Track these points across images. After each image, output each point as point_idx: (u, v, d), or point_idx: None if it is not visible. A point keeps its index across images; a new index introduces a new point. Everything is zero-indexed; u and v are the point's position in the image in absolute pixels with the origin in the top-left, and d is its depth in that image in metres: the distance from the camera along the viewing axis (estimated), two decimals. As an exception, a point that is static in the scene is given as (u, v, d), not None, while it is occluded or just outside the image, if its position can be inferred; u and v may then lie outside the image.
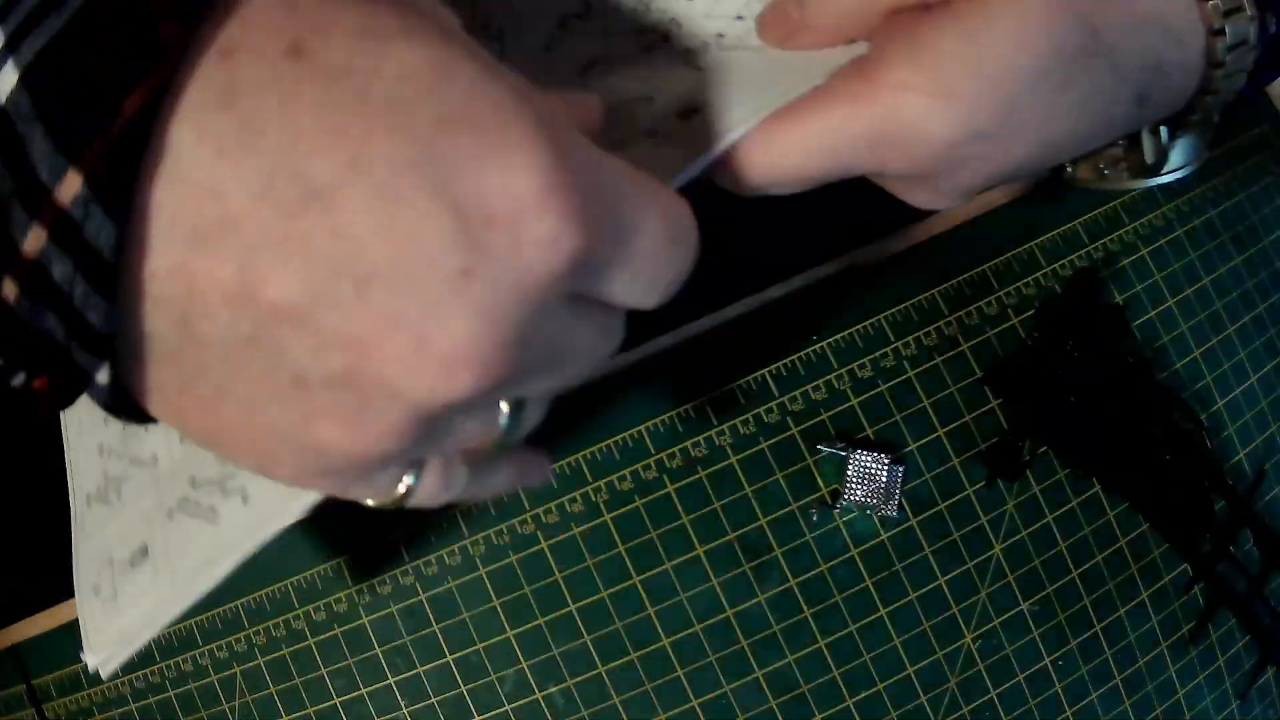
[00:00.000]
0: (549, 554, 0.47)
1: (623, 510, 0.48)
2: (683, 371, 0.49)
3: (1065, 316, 0.48)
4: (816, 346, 0.50)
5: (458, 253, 0.21)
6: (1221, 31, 0.33)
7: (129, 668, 0.50)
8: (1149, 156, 0.37)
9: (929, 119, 0.30)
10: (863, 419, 0.50)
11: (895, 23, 0.31)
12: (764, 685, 0.47)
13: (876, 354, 0.50)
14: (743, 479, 0.49)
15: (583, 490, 0.48)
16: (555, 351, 0.25)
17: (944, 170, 0.32)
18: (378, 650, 0.47)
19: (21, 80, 0.20)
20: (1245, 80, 0.36)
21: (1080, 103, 0.31)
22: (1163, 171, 0.38)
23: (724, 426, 0.49)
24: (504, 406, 0.27)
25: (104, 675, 0.34)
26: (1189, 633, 0.51)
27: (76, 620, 0.35)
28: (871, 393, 0.50)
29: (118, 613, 0.35)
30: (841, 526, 0.49)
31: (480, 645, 0.47)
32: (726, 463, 0.49)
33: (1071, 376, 0.48)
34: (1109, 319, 0.51)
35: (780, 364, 0.50)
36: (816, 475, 0.49)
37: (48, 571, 0.43)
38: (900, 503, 0.48)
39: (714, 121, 0.32)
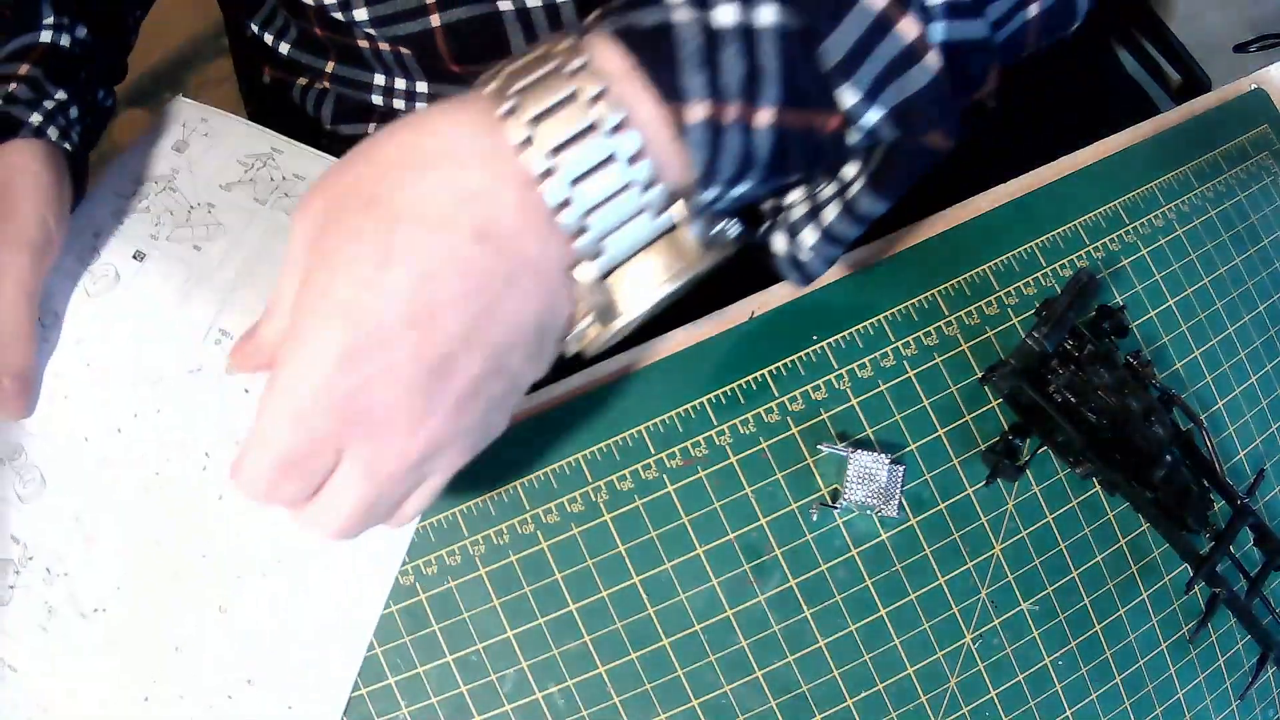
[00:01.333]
0: (549, 554, 0.47)
1: (623, 510, 0.48)
2: (683, 372, 0.49)
3: (1065, 316, 0.48)
4: (816, 346, 0.50)
5: None
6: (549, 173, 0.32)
7: None
8: (596, 325, 0.36)
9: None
10: (863, 419, 0.50)
11: None
12: (764, 685, 0.47)
13: (876, 354, 0.50)
14: (743, 479, 0.49)
15: (583, 490, 0.48)
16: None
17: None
18: (378, 650, 0.47)
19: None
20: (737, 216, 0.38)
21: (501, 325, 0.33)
22: (626, 316, 0.36)
23: (724, 426, 0.49)
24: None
25: None
26: (1189, 633, 0.51)
27: None
28: (871, 393, 0.50)
29: None
30: (841, 526, 0.49)
31: (480, 645, 0.47)
32: (726, 463, 0.49)
33: (1071, 376, 0.48)
34: (1109, 319, 0.51)
35: (780, 364, 0.50)
36: (816, 475, 0.49)
37: None
38: (900, 503, 0.48)
39: None
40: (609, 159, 0.32)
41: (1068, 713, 0.49)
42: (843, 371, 0.50)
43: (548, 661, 0.47)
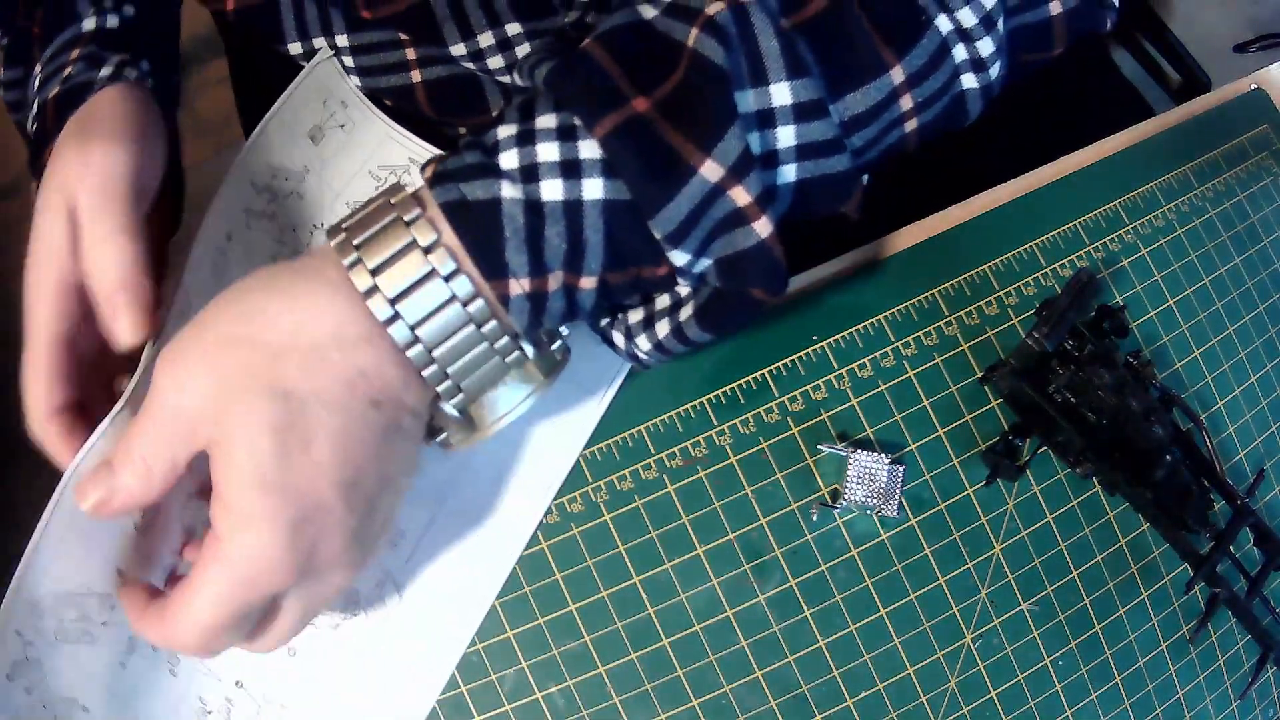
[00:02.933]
0: (549, 553, 0.47)
1: (623, 510, 0.48)
2: (683, 371, 0.49)
3: (1065, 316, 0.48)
4: (816, 346, 0.50)
5: None
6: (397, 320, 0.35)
7: None
8: (459, 432, 0.40)
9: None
10: (863, 419, 0.50)
11: None
12: (764, 685, 0.47)
13: (876, 354, 0.50)
14: (743, 479, 0.49)
15: (582, 490, 0.48)
16: None
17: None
18: (378, 650, 0.47)
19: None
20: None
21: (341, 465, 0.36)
22: (492, 425, 0.40)
23: (724, 426, 0.49)
24: None
25: None
26: (1189, 633, 0.51)
27: None
28: (871, 393, 0.50)
29: None
30: (841, 526, 0.49)
31: (481, 645, 0.47)
32: (726, 463, 0.49)
33: (1071, 376, 0.48)
34: (1109, 319, 0.51)
35: (780, 364, 0.50)
36: (816, 475, 0.49)
37: None
38: (900, 503, 0.48)
39: None
40: (448, 301, 0.35)
41: (1068, 713, 0.49)
42: (843, 371, 0.50)
43: (547, 661, 0.47)
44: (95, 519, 0.37)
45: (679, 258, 0.36)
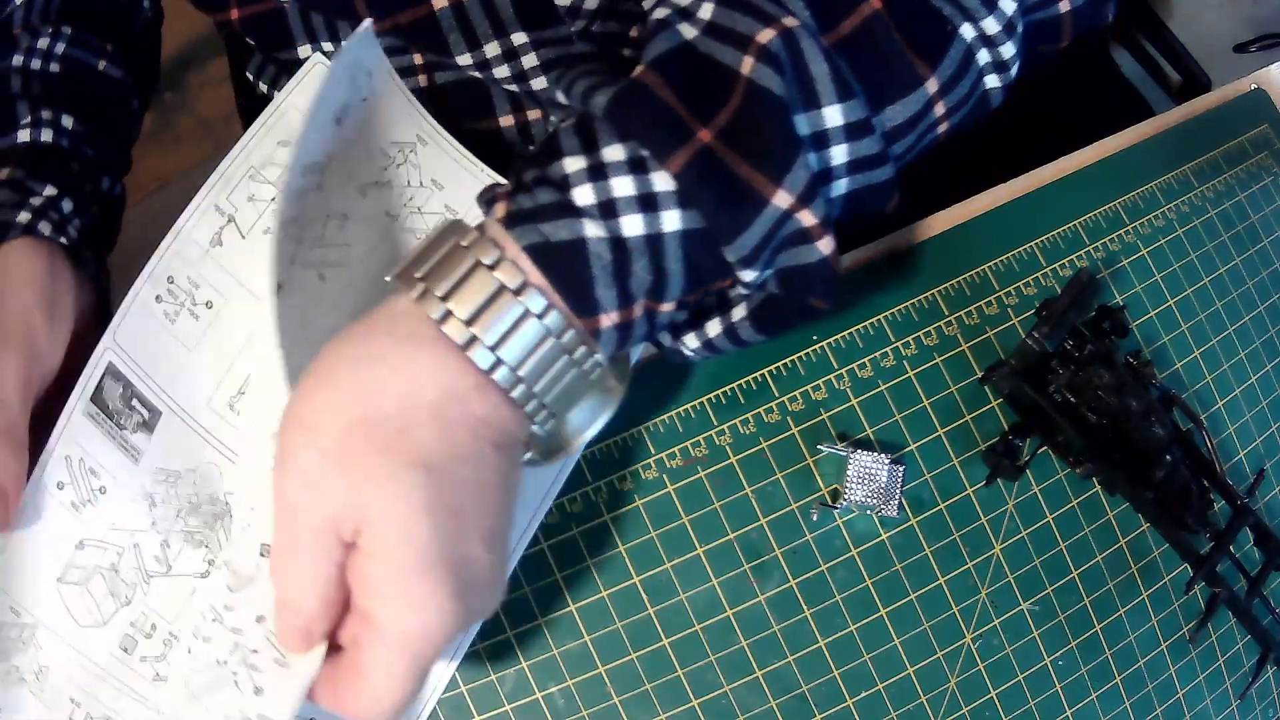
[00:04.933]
0: (549, 554, 0.47)
1: (623, 510, 0.48)
2: (683, 371, 0.49)
3: (1065, 316, 0.48)
4: (816, 346, 0.50)
5: None
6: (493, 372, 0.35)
7: None
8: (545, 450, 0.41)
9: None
10: (863, 419, 0.50)
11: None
12: (764, 685, 0.47)
13: (876, 354, 0.50)
14: (743, 479, 0.49)
15: (583, 490, 0.48)
16: None
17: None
18: (378, 650, 0.47)
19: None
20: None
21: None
22: (577, 440, 0.41)
23: (724, 426, 0.49)
24: None
25: None
26: (1189, 633, 0.51)
27: None
28: (871, 393, 0.50)
29: None
30: (841, 526, 0.49)
31: (480, 645, 0.47)
32: (726, 463, 0.49)
33: (1071, 376, 0.48)
34: (1109, 319, 0.51)
35: (780, 364, 0.50)
36: (816, 475, 0.49)
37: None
38: (900, 503, 0.48)
39: None
40: (543, 338, 0.35)
41: (1068, 713, 0.49)
42: (843, 371, 0.50)
43: (548, 661, 0.47)
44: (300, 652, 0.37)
45: (748, 275, 0.37)
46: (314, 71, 0.48)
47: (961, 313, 0.51)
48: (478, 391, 0.34)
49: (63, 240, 0.48)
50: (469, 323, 0.34)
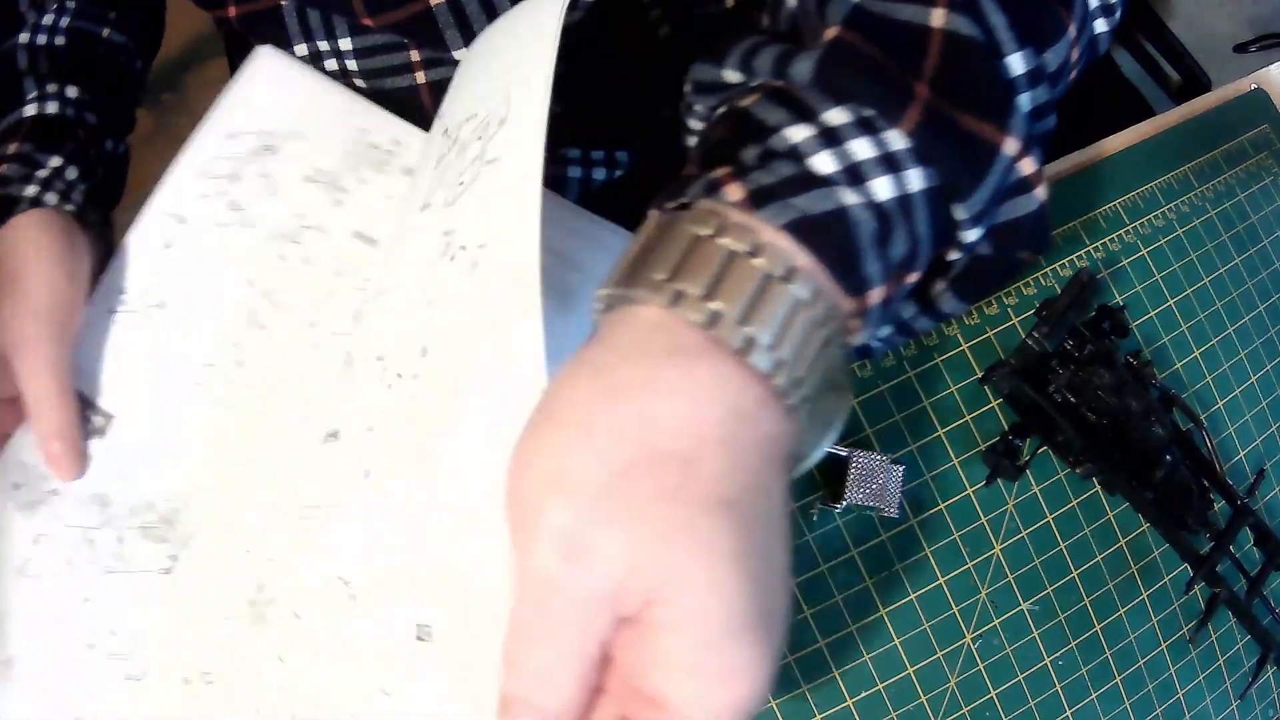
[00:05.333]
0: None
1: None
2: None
3: (1065, 316, 0.48)
4: (816, 346, 0.50)
5: None
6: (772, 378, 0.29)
7: None
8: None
9: None
10: (863, 419, 0.50)
11: None
12: (764, 685, 0.47)
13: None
14: (743, 479, 0.48)
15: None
16: None
17: None
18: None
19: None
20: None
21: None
22: (819, 448, 0.33)
23: (724, 426, 0.49)
24: None
25: None
26: (1189, 633, 0.51)
27: None
28: (871, 393, 0.50)
29: None
30: (841, 526, 0.49)
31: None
32: (726, 463, 0.48)
33: (1071, 376, 0.48)
34: (1109, 319, 0.51)
35: (780, 364, 0.50)
36: (816, 475, 0.49)
37: None
38: (900, 503, 0.48)
39: None
40: (814, 328, 0.30)
41: (1068, 713, 0.49)
42: (843, 371, 0.50)
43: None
44: None
45: (972, 235, 0.34)
46: (259, 63, 0.49)
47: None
48: (762, 405, 0.28)
49: (69, 207, 0.49)
50: (743, 323, 0.28)
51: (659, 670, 0.27)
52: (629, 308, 0.29)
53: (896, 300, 0.33)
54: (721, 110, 0.35)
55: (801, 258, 0.29)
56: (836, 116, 0.31)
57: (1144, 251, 0.54)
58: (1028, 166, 0.34)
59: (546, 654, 0.28)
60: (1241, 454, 0.54)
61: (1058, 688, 0.49)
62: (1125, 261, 0.54)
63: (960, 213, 0.33)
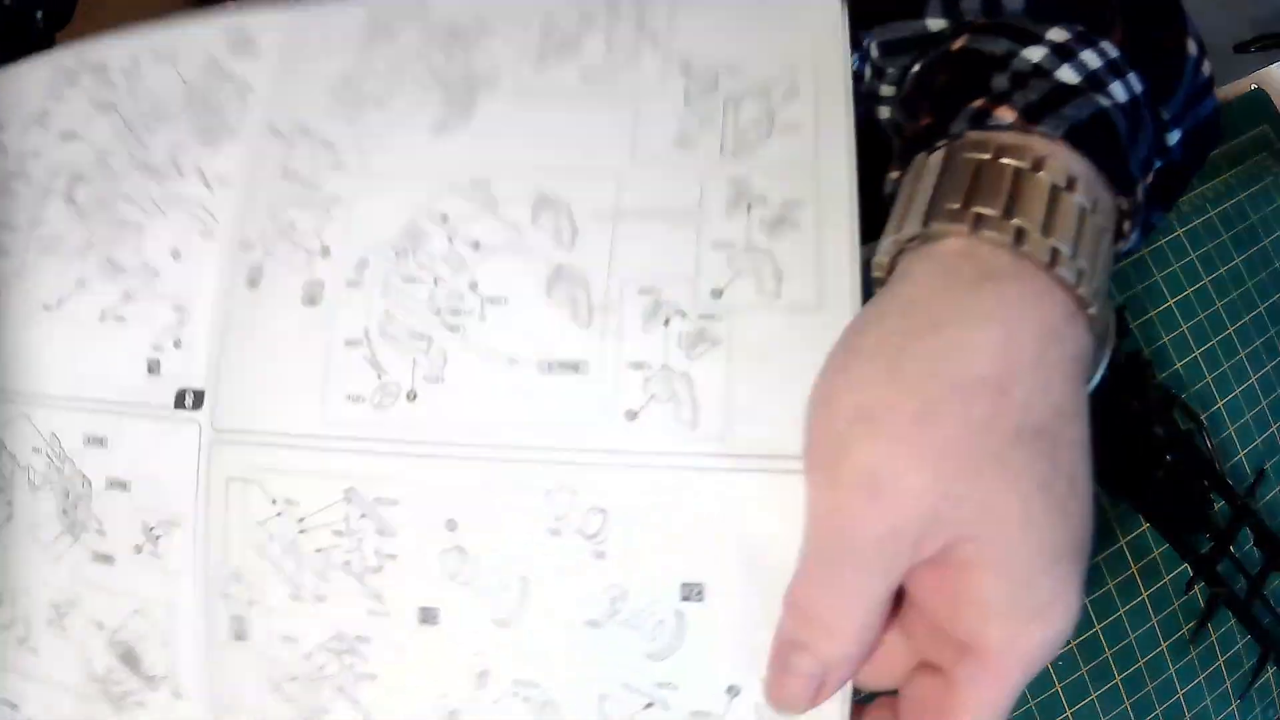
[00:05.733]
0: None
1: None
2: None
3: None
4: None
5: None
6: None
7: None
8: None
9: None
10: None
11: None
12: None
13: (876, 354, 0.50)
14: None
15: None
16: None
17: None
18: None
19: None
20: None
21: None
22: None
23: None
24: None
25: None
26: (1189, 633, 0.51)
27: None
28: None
29: None
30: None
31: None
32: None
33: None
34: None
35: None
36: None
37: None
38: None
39: None
40: (1101, 234, 0.30)
41: (1068, 713, 0.49)
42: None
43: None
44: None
45: (1174, 136, 0.36)
46: None
47: (961, 313, 0.51)
48: (1069, 321, 0.28)
49: None
50: (1044, 235, 0.28)
51: (968, 612, 0.26)
52: (926, 246, 0.29)
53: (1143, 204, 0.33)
54: (928, 61, 0.35)
55: (1078, 165, 0.29)
56: (1058, 35, 0.32)
57: (1144, 252, 0.54)
58: (1207, 69, 0.36)
59: (836, 597, 0.27)
60: (1241, 454, 0.54)
61: (1058, 688, 0.49)
62: (1125, 261, 0.54)
63: (1167, 112, 0.34)
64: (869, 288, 0.31)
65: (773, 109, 0.33)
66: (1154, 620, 0.51)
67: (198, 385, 0.36)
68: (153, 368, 0.37)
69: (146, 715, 0.37)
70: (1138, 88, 0.32)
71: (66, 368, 0.39)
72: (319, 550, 0.34)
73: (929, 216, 0.29)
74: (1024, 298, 0.27)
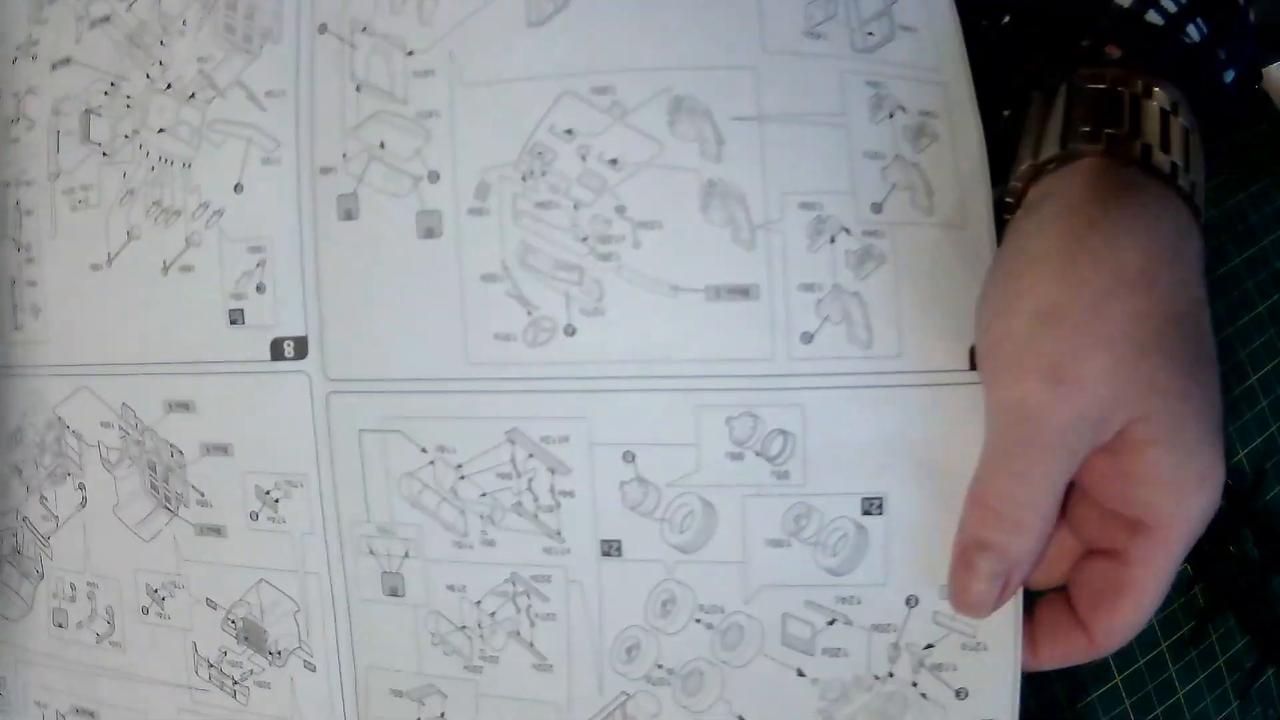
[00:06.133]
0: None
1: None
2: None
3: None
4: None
5: None
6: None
7: None
8: None
9: None
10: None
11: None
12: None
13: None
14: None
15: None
16: None
17: None
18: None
19: None
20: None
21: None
22: None
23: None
24: None
25: None
26: (1189, 633, 0.51)
27: None
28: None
29: None
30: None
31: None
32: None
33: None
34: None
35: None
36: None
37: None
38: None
39: None
40: (1200, 160, 0.33)
41: (1068, 712, 0.49)
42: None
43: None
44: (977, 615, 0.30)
45: (1230, 75, 0.38)
46: None
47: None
48: (1191, 226, 0.31)
49: None
50: (1164, 152, 0.32)
51: (1141, 488, 0.29)
52: (1066, 167, 0.32)
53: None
54: (1025, 7, 0.38)
55: (1174, 93, 0.33)
56: None
57: (1144, 251, 0.54)
58: (1251, 15, 0.38)
59: (1024, 489, 0.29)
60: (1242, 454, 0.53)
61: (1058, 687, 0.49)
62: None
63: (1220, 54, 0.36)
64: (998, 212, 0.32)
65: (889, 6, 0.32)
66: (1154, 620, 0.50)
67: (296, 332, 0.33)
68: (235, 318, 0.33)
69: (269, 696, 0.35)
70: (1205, 29, 0.35)
71: (128, 331, 0.35)
72: (484, 495, 0.32)
73: (1065, 139, 0.32)
74: (1158, 205, 0.31)
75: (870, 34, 0.31)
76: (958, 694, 0.32)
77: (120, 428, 0.36)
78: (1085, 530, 0.31)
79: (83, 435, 0.37)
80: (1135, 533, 0.30)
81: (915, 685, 0.32)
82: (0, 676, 0.40)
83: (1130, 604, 0.30)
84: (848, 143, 0.31)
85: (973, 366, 0.31)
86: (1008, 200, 0.33)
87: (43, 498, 0.38)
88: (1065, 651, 0.31)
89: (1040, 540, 0.30)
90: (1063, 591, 0.32)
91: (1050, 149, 0.33)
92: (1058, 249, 0.30)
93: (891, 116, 0.31)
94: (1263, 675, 0.52)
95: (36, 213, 0.37)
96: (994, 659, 0.31)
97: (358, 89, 0.32)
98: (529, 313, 0.31)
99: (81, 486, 0.37)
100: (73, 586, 0.38)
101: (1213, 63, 0.36)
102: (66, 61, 0.36)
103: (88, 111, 0.36)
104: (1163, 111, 0.32)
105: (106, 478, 0.36)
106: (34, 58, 0.37)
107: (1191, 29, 0.35)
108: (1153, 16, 0.35)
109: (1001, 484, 0.30)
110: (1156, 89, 0.33)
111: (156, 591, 0.36)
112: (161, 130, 0.34)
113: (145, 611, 0.36)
